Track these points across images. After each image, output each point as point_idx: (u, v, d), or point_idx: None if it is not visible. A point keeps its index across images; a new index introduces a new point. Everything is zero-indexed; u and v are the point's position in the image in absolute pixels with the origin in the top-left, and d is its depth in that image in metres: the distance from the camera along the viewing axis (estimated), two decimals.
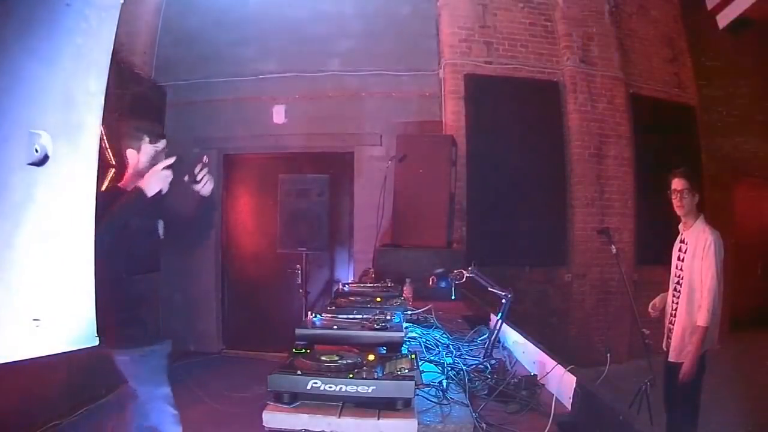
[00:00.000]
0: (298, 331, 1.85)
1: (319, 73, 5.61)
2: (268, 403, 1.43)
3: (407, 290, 3.31)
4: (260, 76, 5.62)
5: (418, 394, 1.50)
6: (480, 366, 1.98)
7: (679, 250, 3.06)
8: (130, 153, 2.28)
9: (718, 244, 2.85)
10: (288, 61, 5.60)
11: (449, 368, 1.88)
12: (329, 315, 2.07)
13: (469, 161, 5.30)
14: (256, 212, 5.89)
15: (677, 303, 3.01)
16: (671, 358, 2.99)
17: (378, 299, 2.60)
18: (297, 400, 1.41)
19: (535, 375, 1.89)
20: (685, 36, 6.24)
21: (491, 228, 5.27)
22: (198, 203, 2.39)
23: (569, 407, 1.63)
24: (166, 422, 2.35)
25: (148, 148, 2.26)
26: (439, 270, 3.32)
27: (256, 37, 5.59)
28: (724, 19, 3.06)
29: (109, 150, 4.31)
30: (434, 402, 1.60)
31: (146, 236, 2.30)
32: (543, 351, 2.00)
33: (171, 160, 2.19)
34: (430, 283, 3.29)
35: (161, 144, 2.32)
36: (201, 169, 2.31)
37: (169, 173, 2.18)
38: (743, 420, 3.94)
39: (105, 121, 1.06)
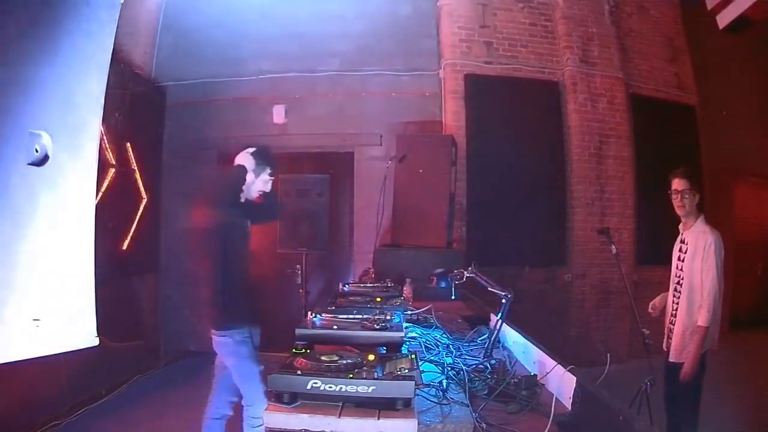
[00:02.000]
0: (298, 331, 1.85)
1: (319, 73, 5.61)
2: (269, 403, 1.43)
3: (407, 290, 3.31)
4: (260, 76, 5.61)
5: (418, 394, 1.50)
6: (480, 366, 1.98)
7: (680, 250, 3.06)
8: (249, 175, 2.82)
9: (719, 244, 2.85)
10: (288, 61, 5.59)
11: (449, 368, 1.88)
12: (329, 315, 2.07)
13: (469, 161, 5.30)
14: None
15: (677, 303, 3.01)
16: (672, 358, 2.99)
17: (378, 299, 2.60)
18: (297, 400, 1.41)
19: (535, 375, 1.89)
20: (685, 36, 6.24)
21: (491, 228, 5.27)
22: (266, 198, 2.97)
23: (569, 407, 1.62)
24: (257, 398, 2.65)
25: (266, 177, 2.87)
26: (439, 270, 3.33)
27: (256, 37, 5.59)
28: (724, 19, 3.05)
29: (108, 150, 4.32)
30: (434, 402, 1.60)
31: (244, 236, 2.83)
32: (543, 351, 2.00)
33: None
34: (431, 283, 3.30)
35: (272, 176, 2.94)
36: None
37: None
38: (743, 420, 3.94)
39: (105, 121, 1.06)
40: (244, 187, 2.80)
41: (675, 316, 3.01)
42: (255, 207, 2.92)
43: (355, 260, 5.58)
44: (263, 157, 2.85)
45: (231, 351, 2.69)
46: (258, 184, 2.85)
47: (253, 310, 2.80)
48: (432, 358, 2.05)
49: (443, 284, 3.32)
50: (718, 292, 2.80)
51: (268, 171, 2.86)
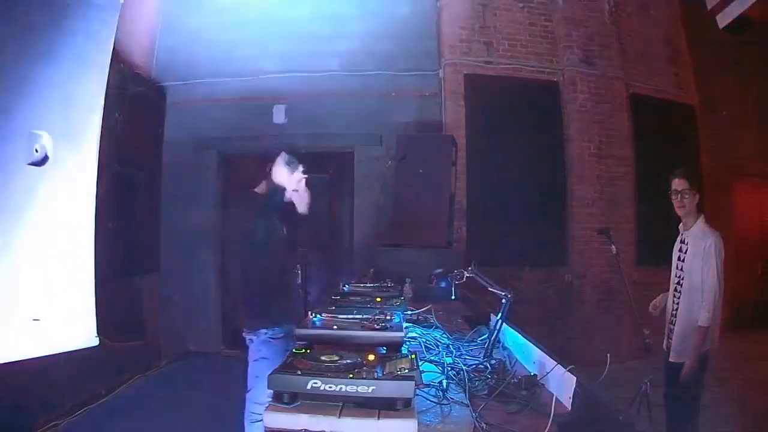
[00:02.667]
0: (298, 331, 1.84)
1: (319, 73, 5.61)
2: (269, 403, 1.42)
3: (407, 290, 3.31)
4: (260, 76, 5.61)
5: (418, 394, 1.50)
6: (480, 366, 1.98)
7: (680, 250, 3.05)
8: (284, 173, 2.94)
9: (719, 245, 2.84)
10: (288, 61, 5.59)
11: (449, 368, 1.88)
12: (329, 315, 2.07)
13: (469, 161, 5.30)
14: None
15: (678, 303, 3.00)
16: (672, 358, 2.99)
17: (378, 299, 2.59)
18: (297, 400, 1.41)
19: (535, 375, 1.89)
20: (685, 36, 6.24)
21: (491, 228, 5.27)
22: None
23: (569, 407, 1.62)
24: (264, 398, 2.65)
25: (298, 175, 2.95)
26: (439, 270, 3.33)
27: (257, 37, 5.59)
28: (724, 19, 3.06)
29: (108, 150, 4.32)
30: (434, 402, 1.60)
31: (278, 238, 2.93)
32: (543, 351, 1.99)
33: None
34: (431, 283, 3.30)
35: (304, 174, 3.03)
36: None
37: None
38: (743, 419, 3.94)
39: (105, 121, 1.06)
40: (286, 194, 2.93)
41: (675, 316, 3.01)
42: (284, 208, 2.99)
43: (355, 260, 5.58)
44: (294, 157, 2.97)
45: (254, 349, 2.76)
46: (291, 181, 2.95)
47: (281, 309, 2.84)
48: (432, 358, 2.05)
49: (443, 284, 3.32)
50: (719, 292, 2.80)
51: (301, 169, 2.96)
